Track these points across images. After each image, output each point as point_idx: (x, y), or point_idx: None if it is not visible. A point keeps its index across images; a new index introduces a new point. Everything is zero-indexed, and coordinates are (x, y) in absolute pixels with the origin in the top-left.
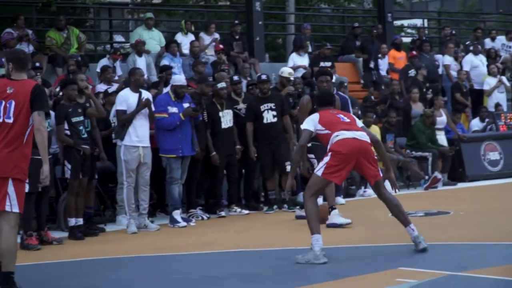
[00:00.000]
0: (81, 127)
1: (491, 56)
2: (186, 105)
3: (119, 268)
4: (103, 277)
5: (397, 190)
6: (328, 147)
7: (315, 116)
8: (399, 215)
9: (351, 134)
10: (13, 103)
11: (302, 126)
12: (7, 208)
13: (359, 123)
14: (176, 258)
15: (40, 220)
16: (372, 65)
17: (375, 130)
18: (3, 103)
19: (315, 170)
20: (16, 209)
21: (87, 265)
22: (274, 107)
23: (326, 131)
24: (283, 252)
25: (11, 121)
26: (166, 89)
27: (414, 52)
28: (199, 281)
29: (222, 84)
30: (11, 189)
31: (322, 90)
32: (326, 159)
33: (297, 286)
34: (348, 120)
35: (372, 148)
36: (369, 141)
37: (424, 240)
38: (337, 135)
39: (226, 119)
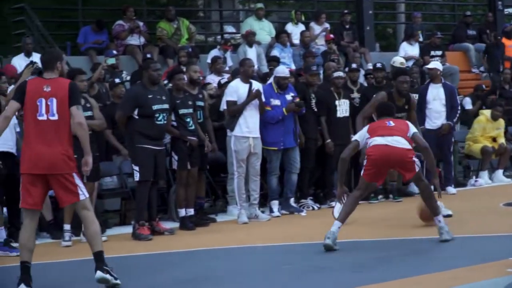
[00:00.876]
0: (188, 119)
1: None
2: (288, 97)
3: (229, 258)
4: (213, 267)
5: (440, 197)
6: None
7: (366, 127)
8: (431, 203)
9: (383, 140)
10: (54, 100)
11: (354, 137)
12: (82, 197)
13: (412, 128)
14: (286, 248)
15: (151, 210)
16: (501, 68)
17: (501, 123)
18: (44, 100)
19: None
20: (87, 194)
21: (198, 255)
22: None
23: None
24: (392, 242)
25: (55, 118)
26: (270, 80)
27: None
28: (308, 271)
29: (338, 73)
30: (78, 180)
31: (383, 102)
32: (365, 161)
33: (408, 276)
34: (392, 125)
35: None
36: (404, 146)
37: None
38: (371, 141)
39: (342, 108)
